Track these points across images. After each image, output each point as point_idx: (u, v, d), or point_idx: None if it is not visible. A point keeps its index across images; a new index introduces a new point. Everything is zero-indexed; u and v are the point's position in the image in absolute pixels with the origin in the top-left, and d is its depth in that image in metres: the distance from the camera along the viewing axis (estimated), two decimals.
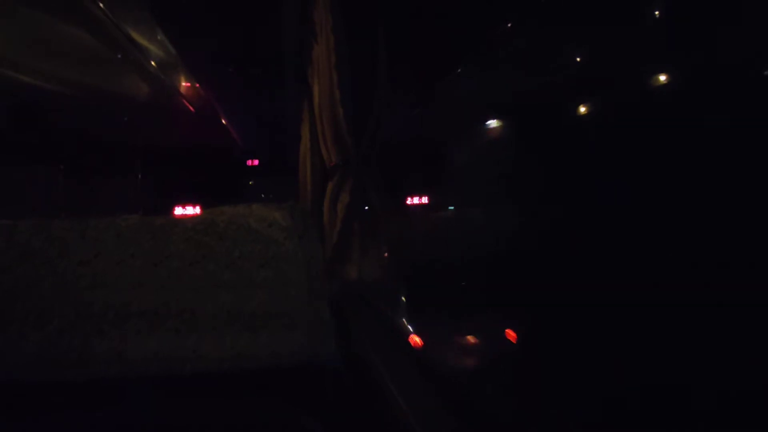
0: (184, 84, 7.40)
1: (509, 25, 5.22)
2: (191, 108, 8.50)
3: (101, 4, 4.63)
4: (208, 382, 1.27)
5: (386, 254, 2.62)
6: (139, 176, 11.50)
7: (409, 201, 12.75)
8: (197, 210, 11.07)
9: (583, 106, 7.98)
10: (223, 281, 1.34)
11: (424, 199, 12.76)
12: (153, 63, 6.32)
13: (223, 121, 9.28)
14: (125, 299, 1.30)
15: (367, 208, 2.64)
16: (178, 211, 10.90)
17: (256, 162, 13.19)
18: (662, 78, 6.28)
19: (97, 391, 1.26)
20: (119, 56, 5.95)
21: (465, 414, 1.17)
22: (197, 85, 7.21)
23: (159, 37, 5.47)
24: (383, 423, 1.32)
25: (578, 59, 6.54)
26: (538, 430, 1.26)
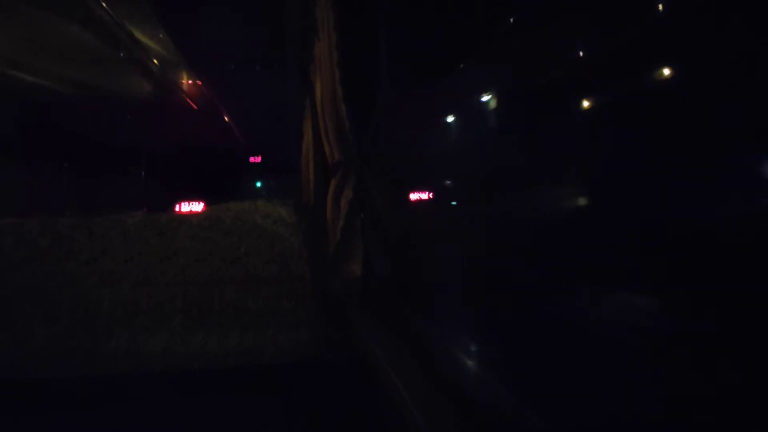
0: (186, 82, 7.41)
1: (511, 20, 5.21)
2: (194, 106, 8.51)
3: (104, 4, 4.64)
4: (216, 377, 1.28)
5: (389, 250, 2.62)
6: (143, 174, 11.53)
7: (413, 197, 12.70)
8: (201, 206, 11.10)
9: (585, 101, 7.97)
10: (229, 277, 1.36)
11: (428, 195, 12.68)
12: (155, 61, 6.33)
13: (226, 119, 9.29)
14: (133, 296, 1.31)
15: (369, 204, 2.64)
16: (183, 207, 10.94)
17: (258, 159, 13.20)
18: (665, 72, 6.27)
19: (106, 387, 1.27)
20: (122, 55, 5.96)
21: (468, 408, 1.18)
22: (199, 82, 7.22)
23: (161, 36, 5.47)
24: (387, 417, 1.34)
25: (580, 54, 6.53)
26: (539, 426, 1.27)
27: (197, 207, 11.09)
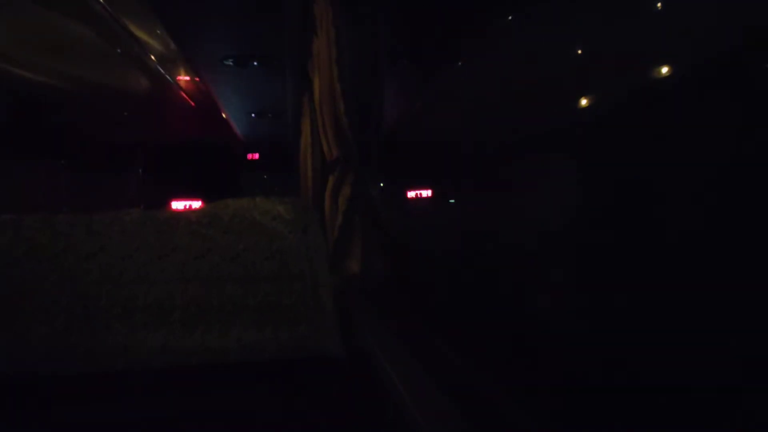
0: (183, 78, 7.38)
1: (510, 18, 5.19)
2: (191, 102, 8.49)
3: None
4: (215, 374, 1.28)
5: (387, 247, 2.62)
6: (140, 171, 11.51)
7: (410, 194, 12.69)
8: (198, 204, 11.09)
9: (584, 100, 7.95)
10: (228, 274, 1.35)
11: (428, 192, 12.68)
12: (153, 57, 6.30)
13: (224, 115, 9.26)
14: (131, 293, 1.31)
15: (367, 201, 2.64)
16: (176, 205, 10.94)
17: (256, 156, 13.18)
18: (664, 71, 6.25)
19: (105, 384, 1.27)
20: (119, 51, 5.93)
21: (468, 407, 1.18)
22: (197, 79, 7.19)
23: (158, 31, 5.45)
24: (386, 415, 1.34)
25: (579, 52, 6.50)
26: (541, 426, 1.27)
27: (193, 205, 11.09)
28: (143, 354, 1.27)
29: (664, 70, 6.16)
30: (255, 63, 5.87)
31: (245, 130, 10.72)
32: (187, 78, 7.32)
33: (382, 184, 2.76)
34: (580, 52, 6.37)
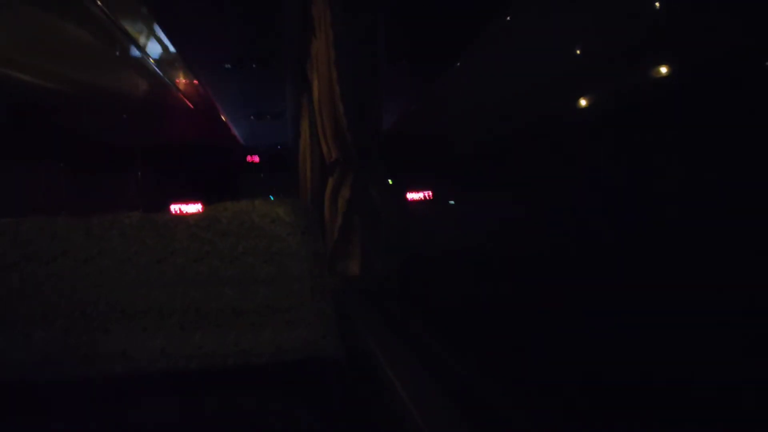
0: (182, 81, 7.38)
1: (508, 18, 5.20)
2: (190, 105, 8.49)
3: (99, 2, 4.62)
4: (214, 377, 1.28)
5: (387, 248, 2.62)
6: (139, 173, 11.51)
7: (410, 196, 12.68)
8: (198, 207, 11.10)
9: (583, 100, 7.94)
10: (227, 277, 1.35)
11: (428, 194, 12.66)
12: (151, 60, 6.30)
13: (223, 118, 9.26)
14: (130, 297, 1.30)
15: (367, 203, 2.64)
16: (175, 207, 10.95)
17: (255, 158, 13.19)
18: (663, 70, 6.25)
19: (103, 389, 1.27)
20: (117, 54, 5.94)
21: (469, 407, 1.18)
22: (196, 81, 7.19)
23: (157, 34, 5.45)
24: (386, 416, 1.34)
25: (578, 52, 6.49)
26: (541, 426, 1.27)
27: (193, 208, 11.10)
28: (142, 358, 1.27)
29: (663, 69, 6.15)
30: (254, 65, 5.87)
31: (245, 132, 10.71)
32: (187, 81, 7.32)
33: (390, 181, 2.75)
34: (579, 52, 6.36)
